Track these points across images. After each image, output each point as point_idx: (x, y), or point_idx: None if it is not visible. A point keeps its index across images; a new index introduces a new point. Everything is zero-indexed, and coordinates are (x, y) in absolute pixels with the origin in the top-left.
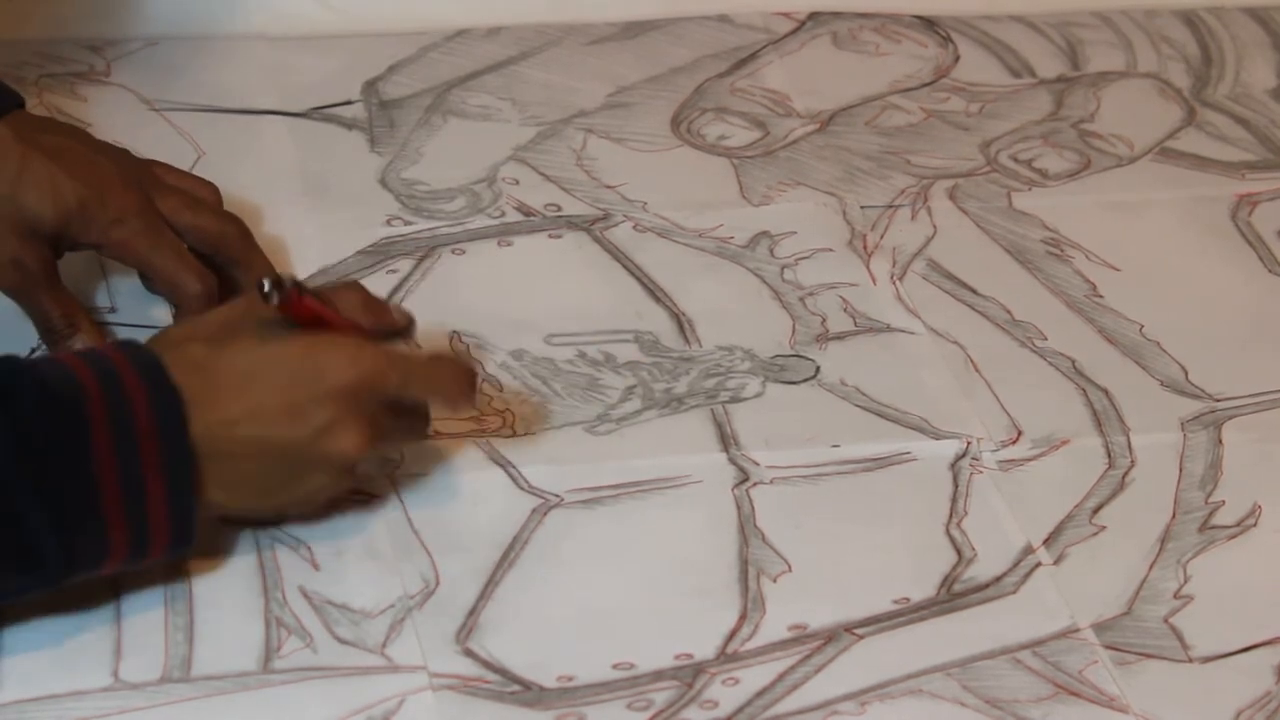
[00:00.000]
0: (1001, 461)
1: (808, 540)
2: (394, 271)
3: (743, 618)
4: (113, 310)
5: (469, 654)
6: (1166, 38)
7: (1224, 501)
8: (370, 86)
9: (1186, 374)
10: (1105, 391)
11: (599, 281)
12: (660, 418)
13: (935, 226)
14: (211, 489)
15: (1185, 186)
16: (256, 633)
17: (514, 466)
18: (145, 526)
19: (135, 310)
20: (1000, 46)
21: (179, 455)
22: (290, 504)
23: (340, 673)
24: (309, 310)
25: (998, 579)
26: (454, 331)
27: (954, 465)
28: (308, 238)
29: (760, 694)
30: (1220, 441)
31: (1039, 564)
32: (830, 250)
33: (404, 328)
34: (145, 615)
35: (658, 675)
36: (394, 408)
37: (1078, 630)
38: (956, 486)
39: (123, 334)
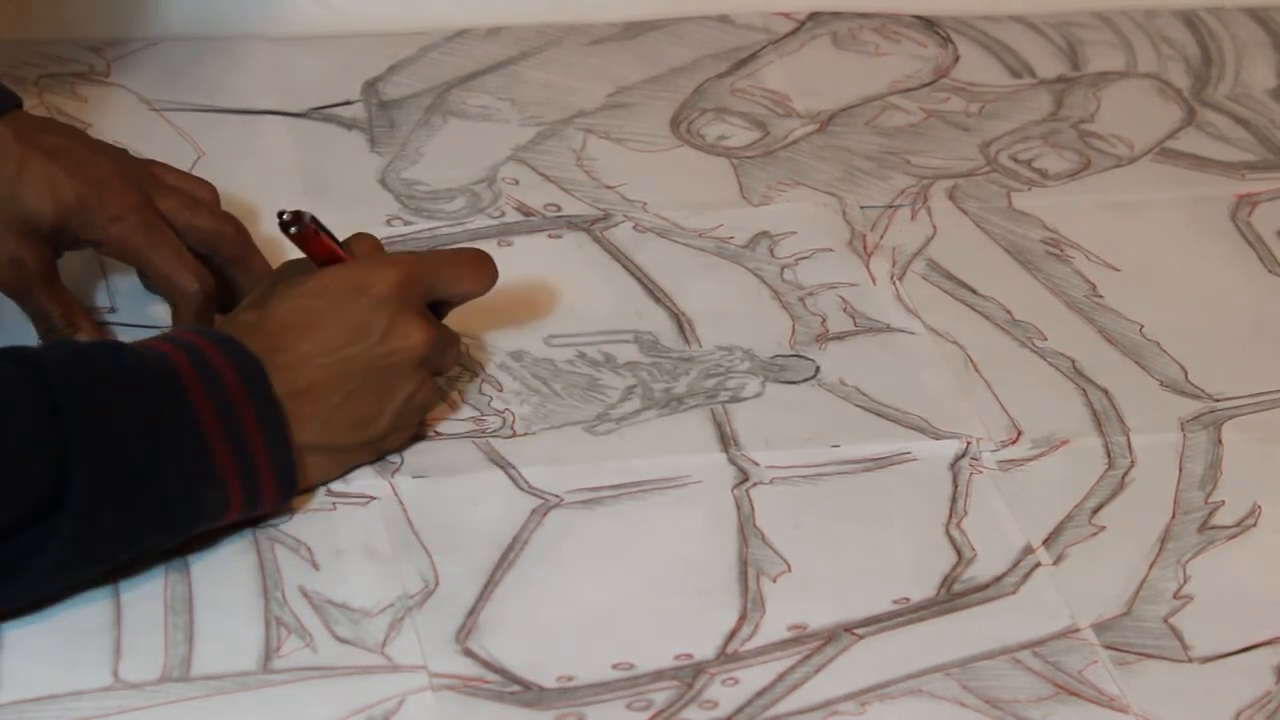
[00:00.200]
0: (1001, 461)
1: (808, 540)
2: None
3: (742, 618)
4: (112, 310)
5: (469, 654)
6: (1166, 38)
7: (1224, 501)
8: (370, 86)
9: (1186, 374)
10: (1105, 391)
11: (599, 281)
12: (660, 418)
13: (935, 226)
14: (308, 432)
15: (1185, 186)
16: (256, 632)
17: (514, 467)
18: (255, 480)
19: (135, 310)
20: (1000, 47)
21: (271, 410)
22: (389, 426)
23: (340, 672)
24: (324, 247)
25: (998, 579)
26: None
27: (954, 465)
28: None
29: (760, 694)
30: (1220, 441)
31: (1039, 564)
32: (830, 250)
33: None
34: (145, 615)
35: (658, 675)
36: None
37: (1078, 630)
38: (956, 486)
39: (123, 334)
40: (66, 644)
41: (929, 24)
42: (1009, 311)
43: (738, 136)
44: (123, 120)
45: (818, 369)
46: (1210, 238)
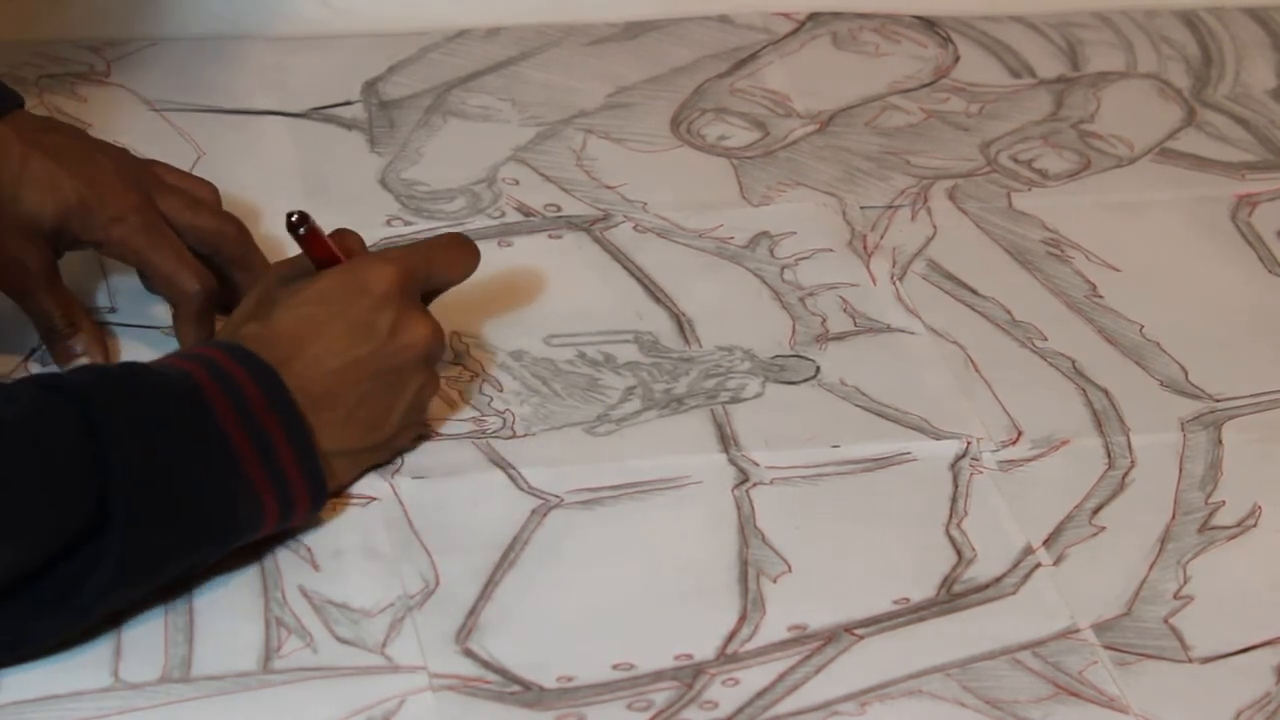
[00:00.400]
0: (1001, 462)
1: (808, 540)
2: None
3: (742, 618)
4: (113, 310)
5: (469, 654)
6: (1166, 38)
7: (1224, 502)
8: (370, 87)
9: (1186, 374)
10: (1105, 392)
11: (599, 282)
12: (660, 418)
13: (935, 227)
14: (326, 437)
15: (1185, 187)
16: (256, 633)
17: (514, 467)
18: (288, 489)
19: (135, 310)
20: (1000, 47)
21: (294, 418)
22: (400, 424)
23: (340, 673)
24: (325, 249)
25: (998, 579)
26: (454, 331)
27: (954, 465)
28: None
29: (760, 694)
30: (1220, 442)
31: (1039, 564)
32: (830, 250)
33: None
34: (145, 615)
35: (658, 675)
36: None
37: (1078, 630)
38: (956, 487)
39: (123, 334)
40: (66, 645)
41: (929, 24)
42: (1009, 312)
43: (738, 137)
44: (123, 120)
45: (818, 369)
46: (1210, 238)
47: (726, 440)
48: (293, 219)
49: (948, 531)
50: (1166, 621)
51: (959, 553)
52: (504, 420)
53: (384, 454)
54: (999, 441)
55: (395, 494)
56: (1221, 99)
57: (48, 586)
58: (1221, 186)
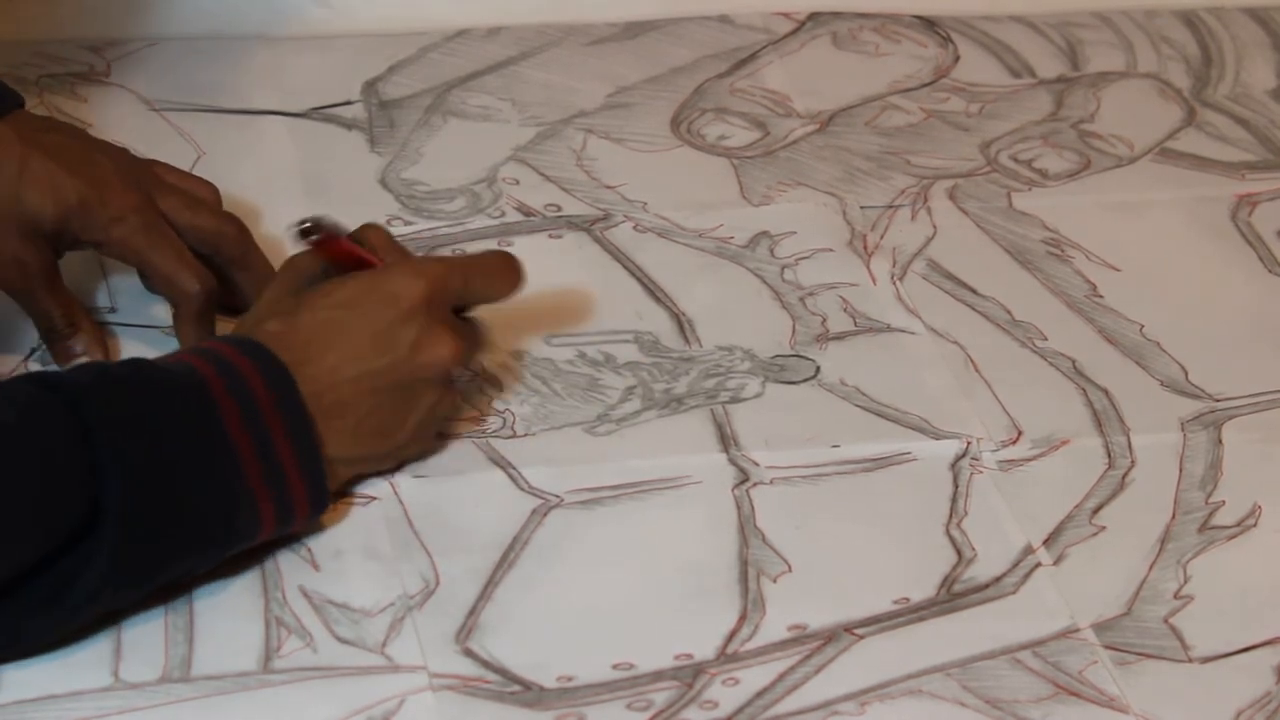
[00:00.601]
0: (1001, 461)
1: (808, 540)
2: None
3: (743, 618)
4: (113, 310)
5: (469, 654)
6: (1166, 38)
7: (1224, 502)
8: (370, 86)
9: (1186, 374)
10: (1105, 391)
11: (599, 281)
12: (660, 418)
13: (935, 226)
14: (334, 444)
15: (1185, 186)
16: (256, 633)
17: (514, 467)
18: (287, 493)
19: (135, 310)
20: (1000, 47)
21: (301, 420)
22: (409, 438)
23: (340, 673)
24: (344, 250)
25: (998, 579)
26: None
27: (954, 465)
28: None
29: (760, 694)
30: (1220, 441)
31: (1039, 564)
32: (830, 250)
33: None
34: (145, 615)
35: (658, 675)
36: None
37: (1078, 630)
38: (956, 486)
39: (123, 334)
40: (66, 644)
41: (929, 24)
42: (1009, 311)
43: (738, 136)
44: (123, 120)
45: (818, 369)
46: (1210, 238)
47: (726, 440)
48: (305, 225)
49: (948, 531)
50: (1166, 621)
51: (959, 552)
52: (504, 420)
53: (390, 462)
54: (999, 441)
55: (395, 494)
56: (1221, 99)
57: (41, 585)
58: (1221, 186)
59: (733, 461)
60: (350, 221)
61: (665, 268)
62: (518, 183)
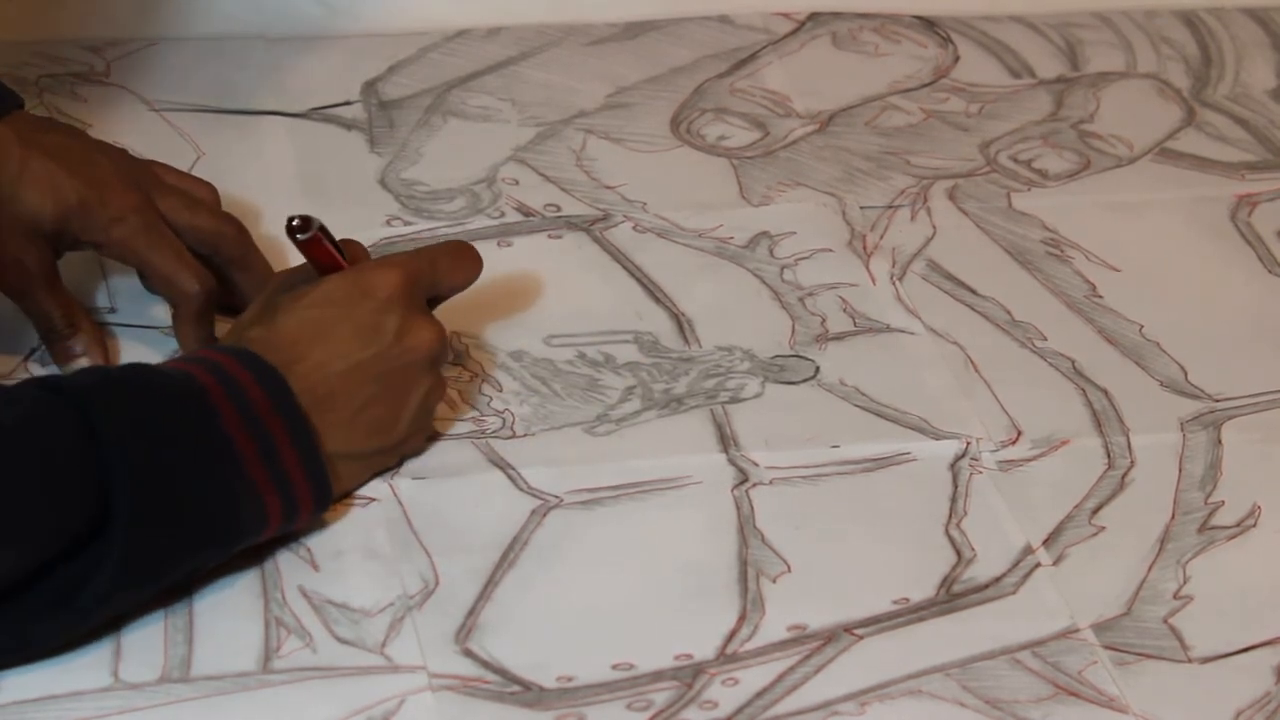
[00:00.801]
0: (1001, 462)
1: (807, 541)
2: None
3: (742, 618)
4: (112, 310)
5: (469, 654)
6: (1166, 38)
7: (1224, 502)
8: (370, 87)
9: (1186, 374)
10: (1105, 392)
11: (599, 282)
12: (660, 418)
13: (935, 227)
14: (331, 441)
15: (1185, 187)
16: (256, 633)
17: (513, 467)
18: (291, 491)
19: (135, 310)
20: (1000, 47)
21: (298, 420)
22: (407, 429)
23: (340, 673)
24: (328, 255)
25: (997, 579)
26: (454, 331)
27: (954, 465)
28: None
29: (760, 694)
30: (1220, 442)
31: (1039, 564)
32: (830, 250)
33: None
34: (145, 616)
35: (657, 675)
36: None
37: (1077, 630)
38: (956, 487)
39: (123, 334)
40: (67, 645)
41: (929, 24)
42: (1009, 311)
43: (738, 137)
44: (123, 120)
45: (818, 369)
46: (1210, 238)
47: (726, 440)
48: (293, 223)
49: (947, 531)
50: (1166, 621)
51: (959, 553)
52: (504, 420)
53: (391, 458)
54: (999, 441)
55: (395, 494)
56: (1221, 99)
57: (48, 589)
58: (1221, 186)
59: (732, 462)
60: (350, 222)
61: (665, 268)
62: (517, 183)
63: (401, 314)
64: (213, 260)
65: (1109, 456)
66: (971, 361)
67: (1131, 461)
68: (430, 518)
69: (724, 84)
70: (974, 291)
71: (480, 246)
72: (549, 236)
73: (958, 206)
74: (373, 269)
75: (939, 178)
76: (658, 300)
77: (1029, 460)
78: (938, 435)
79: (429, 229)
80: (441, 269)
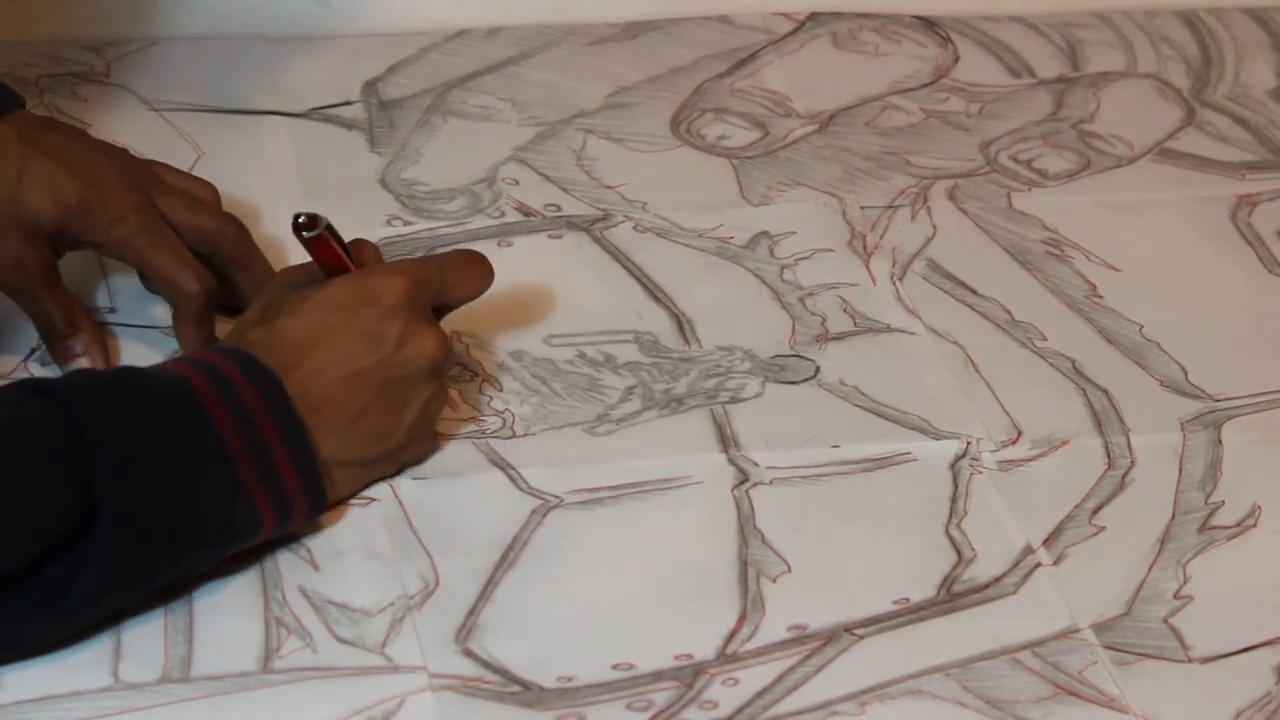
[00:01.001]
0: (1001, 462)
1: (807, 541)
2: None
3: (742, 618)
4: (113, 310)
5: (469, 654)
6: (1166, 38)
7: (1224, 502)
8: (370, 87)
9: (1186, 374)
10: (1105, 391)
11: (599, 281)
12: (660, 418)
13: (935, 227)
14: (327, 446)
15: (1185, 186)
16: (256, 633)
17: (514, 467)
18: (284, 495)
19: (135, 310)
20: (1000, 47)
21: (292, 423)
22: (407, 437)
23: (340, 673)
24: (334, 255)
25: (998, 579)
26: (453, 331)
27: (954, 465)
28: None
29: (760, 694)
30: (1220, 441)
31: (1039, 564)
32: (830, 250)
33: None
34: (145, 616)
35: (658, 675)
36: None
37: (1078, 630)
38: (956, 487)
39: (123, 334)
40: (65, 644)
41: (929, 24)
42: (1009, 311)
43: (738, 136)
44: (123, 120)
45: (818, 369)
46: (1210, 238)
47: (726, 440)
48: (300, 220)
49: (948, 531)
50: (1166, 621)
51: (959, 553)
52: (504, 420)
53: (390, 465)
54: (999, 441)
55: (395, 494)
56: (1221, 99)
57: (35, 588)
58: (1221, 186)
59: (732, 461)
60: (350, 222)
61: (665, 268)
62: (518, 183)
63: (404, 322)
64: (213, 260)
65: (1109, 456)
66: (972, 361)
67: (1132, 461)
68: (430, 518)
69: (724, 84)
70: (974, 291)
71: (480, 246)
72: (549, 236)
73: (958, 206)
74: (378, 275)
75: (939, 178)
76: (658, 300)
77: (1029, 460)
78: (938, 435)
79: (429, 229)
80: (450, 279)
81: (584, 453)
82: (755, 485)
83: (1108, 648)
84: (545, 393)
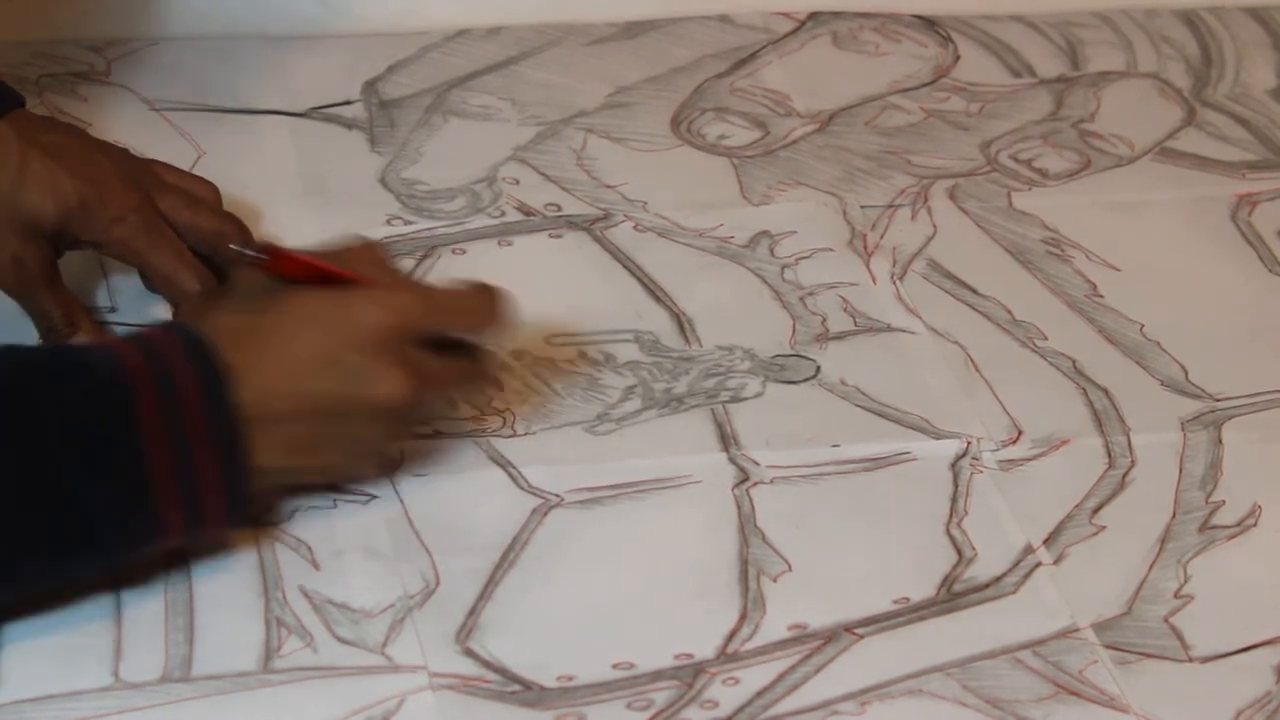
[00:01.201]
0: (1001, 461)
1: (808, 540)
2: None
3: (743, 618)
4: (113, 310)
5: (469, 654)
6: (1166, 38)
7: (1224, 501)
8: (370, 86)
9: (1186, 374)
10: (1105, 391)
11: (599, 281)
12: (660, 418)
13: (935, 226)
14: (264, 454)
15: (1185, 186)
16: (256, 632)
17: (514, 466)
18: (198, 498)
19: (135, 310)
20: (1000, 46)
21: (226, 425)
22: (343, 462)
23: (340, 673)
24: (301, 267)
25: (998, 579)
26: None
27: (954, 465)
28: (308, 238)
29: (760, 694)
30: (1220, 441)
31: (1039, 564)
32: (830, 250)
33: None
34: (145, 615)
35: (658, 675)
36: (440, 349)
37: (1078, 630)
38: (956, 486)
39: (123, 334)
40: (66, 644)
41: (929, 24)
42: (1009, 311)
43: (738, 136)
44: (123, 120)
45: (818, 369)
46: (1210, 238)
47: (726, 440)
48: (245, 254)
49: (948, 531)
50: (1166, 621)
51: (959, 552)
52: (504, 419)
53: (317, 479)
54: (999, 441)
55: (395, 493)
56: (1221, 99)
57: None
58: (1221, 186)
59: (733, 461)
60: (351, 221)
61: (665, 267)
62: (518, 182)
63: (371, 357)
64: (213, 260)
65: (1109, 456)
66: (972, 361)
67: (1132, 461)
68: (431, 517)
69: (724, 83)
70: (974, 291)
71: (480, 246)
72: (549, 236)
73: (958, 206)
74: (365, 300)
75: (939, 177)
76: (658, 299)
77: (1029, 460)
78: (938, 435)
79: (429, 228)
80: (448, 320)
81: (584, 452)
82: (756, 484)
83: (1108, 647)
84: (545, 392)
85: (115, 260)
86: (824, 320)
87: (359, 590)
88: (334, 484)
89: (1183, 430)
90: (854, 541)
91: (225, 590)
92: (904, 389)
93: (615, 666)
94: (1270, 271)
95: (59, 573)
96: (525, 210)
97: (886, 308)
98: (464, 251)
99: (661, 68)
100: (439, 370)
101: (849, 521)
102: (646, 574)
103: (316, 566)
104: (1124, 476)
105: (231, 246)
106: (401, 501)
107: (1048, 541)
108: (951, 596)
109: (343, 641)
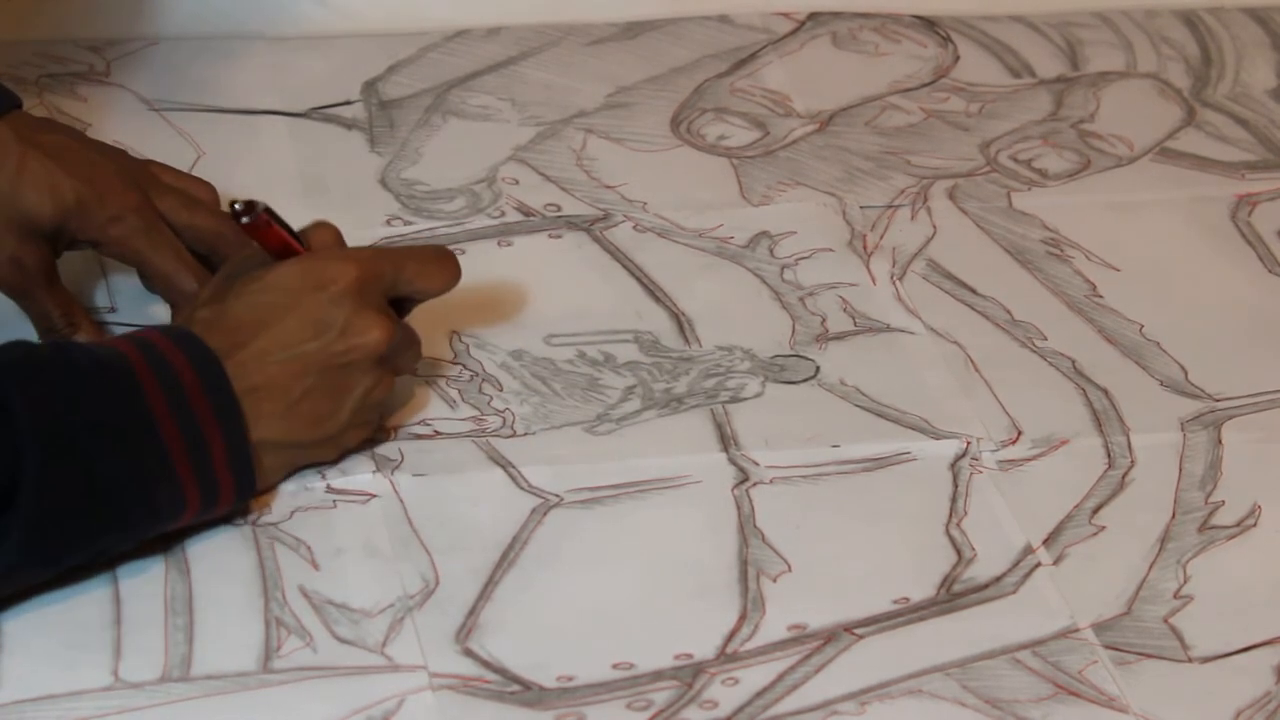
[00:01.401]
0: (1001, 461)
1: (808, 540)
2: None
3: (742, 618)
4: (112, 310)
5: (469, 654)
6: (1166, 38)
7: (1224, 501)
8: (370, 86)
9: (1186, 374)
10: (1105, 391)
11: (599, 281)
12: (660, 418)
13: (935, 226)
14: (264, 427)
15: (1185, 186)
16: (256, 632)
17: (514, 466)
18: (212, 475)
19: (134, 310)
20: (1000, 46)
21: (228, 403)
22: (346, 423)
23: (340, 672)
24: (277, 239)
25: (997, 579)
26: (453, 331)
27: (954, 465)
28: None
29: (760, 694)
30: (1220, 441)
31: (1039, 564)
32: (830, 250)
33: None
34: (145, 615)
35: (657, 675)
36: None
37: (1078, 630)
38: (956, 486)
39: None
40: (66, 644)
41: (929, 24)
42: (1009, 311)
43: (738, 136)
44: (123, 120)
45: (818, 369)
46: (1210, 238)
47: (726, 440)
48: (235, 207)
49: (947, 531)
50: (1166, 621)
51: (959, 552)
52: (504, 419)
53: (329, 452)
54: (999, 441)
55: (395, 492)
56: (1221, 99)
57: None
58: (1221, 186)
59: (733, 461)
60: (350, 221)
61: (665, 268)
62: (518, 183)
63: (351, 309)
64: (212, 260)
65: (1109, 456)
66: (972, 361)
67: (1132, 461)
68: (430, 516)
69: (724, 84)
70: (974, 291)
71: (480, 246)
72: (549, 236)
73: (958, 206)
74: (329, 260)
75: (939, 177)
76: (658, 300)
77: (1029, 460)
78: (938, 435)
79: (429, 228)
80: (408, 271)
81: (584, 452)
82: (755, 485)
83: (1108, 647)
84: (545, 392)
85: (114, 260)
86: (823, 320)
87: (358, 590)
88: (332, 457)
89: (1182, 430)
90: (854, 542)
91: (225, 590)
92: (904, 389)
93: (615, 666)
94: (1270, 271)
95: (101, 546)
96: (525, 210)
97: (886, 308)
98: (464, 252)
99: (661, 68)
100: (403, 325)
101: (849, 522)
102: (646, 574)
103: (316, 566)
104: (1124, 477)
105: (234, 204)
106: (401, 501)
107: (1047, 542)
108: (951, 597)
109: (342, 641)
